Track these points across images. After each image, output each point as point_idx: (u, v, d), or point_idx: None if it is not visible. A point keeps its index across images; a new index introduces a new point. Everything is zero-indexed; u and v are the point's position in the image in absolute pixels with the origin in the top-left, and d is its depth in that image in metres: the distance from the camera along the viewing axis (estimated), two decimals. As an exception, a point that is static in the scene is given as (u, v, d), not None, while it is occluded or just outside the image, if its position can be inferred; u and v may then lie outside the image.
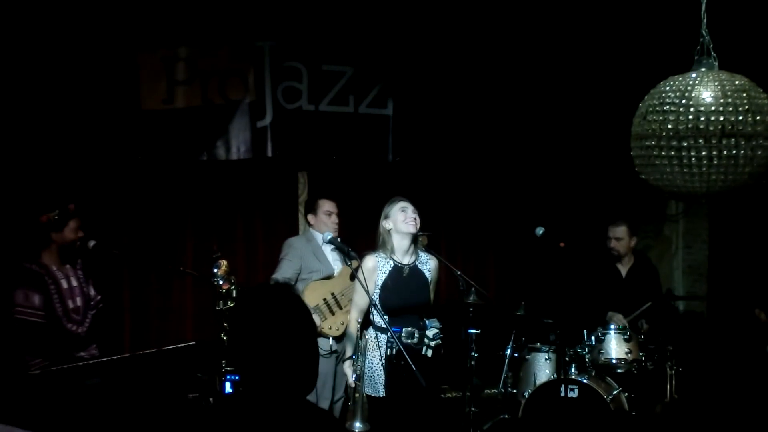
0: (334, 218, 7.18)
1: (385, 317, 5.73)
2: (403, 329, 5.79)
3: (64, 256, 5.90)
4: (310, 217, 7.25)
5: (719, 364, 8.18)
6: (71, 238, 5.86)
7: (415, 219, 5.93)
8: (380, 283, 5.89)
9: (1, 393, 2.95)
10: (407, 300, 5.88)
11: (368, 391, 5.83)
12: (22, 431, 2.78)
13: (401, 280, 5.91)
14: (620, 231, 7.72)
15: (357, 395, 5.80)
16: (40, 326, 5.64)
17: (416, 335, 5.82)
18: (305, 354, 2.72)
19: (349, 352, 5.96)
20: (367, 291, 5.74)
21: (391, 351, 5.74)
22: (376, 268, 5.91)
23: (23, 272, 5.69)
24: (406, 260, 5.99)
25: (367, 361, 5.83)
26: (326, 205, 7.20)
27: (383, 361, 5.78)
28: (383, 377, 5.80)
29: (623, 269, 7.82)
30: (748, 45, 6.78)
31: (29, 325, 5.60)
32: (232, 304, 5.72)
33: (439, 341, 5.91)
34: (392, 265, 5.94)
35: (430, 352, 5.84)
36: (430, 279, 6.04)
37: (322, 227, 6.94)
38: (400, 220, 5.91)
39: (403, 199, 6.01)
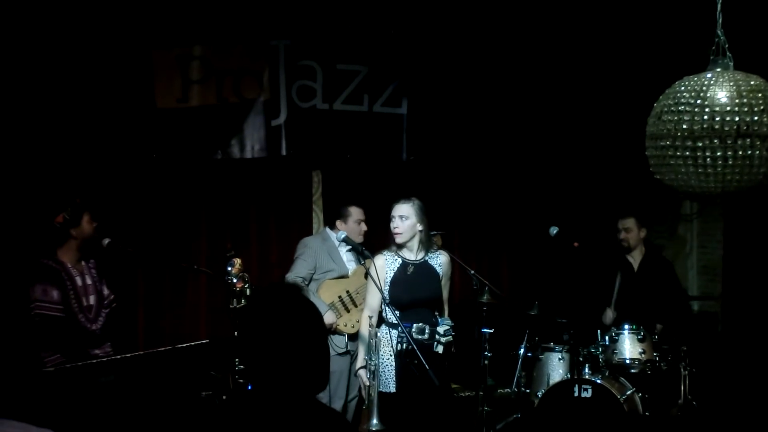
0: (363, 225, 7.22)
1: (396, 312, 5.74)
2: (414, 324, 5.80)
3: (83, 252, 5.94)
4: (338, 223, 7.25)
5: (733, 365, 8.15)
6: (90, 230, 5.91)
7: (396, 230, 5.98)
8: (389, 279, 5.92)
9: (15, 390, 2.96)
10: (416, 294, 5.91)
11: (379, 387, 5.84)
12: (37, 429, 2.78)
13: (410, 275, 5.95)
14: (629, 222, 7.76)
15: (372, 394, 5.81)
16: (59, 321, 5.68)
17: (427, 331, 5.84)
18: (315, 354, 2.72)
19: (361, 353, 5.97)
20: (380, 290, 5.76)
21: (401, 346, 5.76)
22: (384, 265, 5.97)
23: (40, 268, 5.73)
24: (414, 257, 6.01)
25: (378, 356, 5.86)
26: (358, 213, 7.23)
27: (394, 357, 5.80)
28: (394, 373, 5.81)
29: (635, 263, 7.83)
30: (764, 45, 6.75)
31: (49, 320, 5.63)
32: (245, 303, 5.75)
33: (450, 338, 5.91)
34: (400, 261, 5.99)
35: (440, 348, 5.85)
36: (441, 274, 6.05)
37: (352, 234, 6.93)
38: (392, 228, 6.02)
39: (398, 201, 6.04)
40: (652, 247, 7.96)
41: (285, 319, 2.70)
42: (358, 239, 7.03)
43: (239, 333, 2.75)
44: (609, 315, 7.64)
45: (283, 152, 7.91)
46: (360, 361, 5.98)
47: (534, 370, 7.28)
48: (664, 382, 7.18)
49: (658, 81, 4.52)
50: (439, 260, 6.09)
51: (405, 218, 5.95)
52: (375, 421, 5.72)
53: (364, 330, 5.98)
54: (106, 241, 6.06)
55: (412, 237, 6.00)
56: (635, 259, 7.83)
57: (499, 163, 8.84)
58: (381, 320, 5.99)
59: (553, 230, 7.22)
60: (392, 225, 5.99)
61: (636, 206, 8.04)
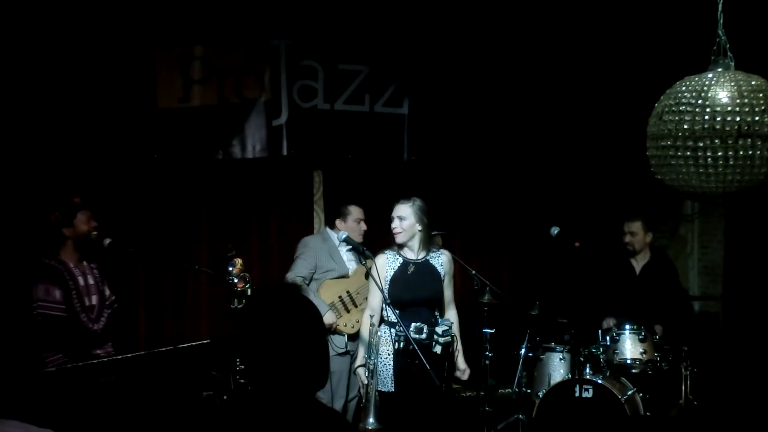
0: (363, 225, 7.22)
1: (396, 311, 5.75)
2: (413, 324, 5.81)
3: (82, 252, 5.93)
4: (338, 221, 7.25)
5: (734, 365, 8.15)
6: (84, 230, 5.88)
7: (396, 230, 6.01)
8: (389, 278, 5.93)
9: (16, 390, 2.96)
10: (416, 294, 5.92)
11: (378, 386, 5.87)
12: (38, 429, 2.79)
13: (410, 275, 5.96)
14: (635, 226, 7.71)
15: (369, 393, 5.81)
16: (62, 320, 5.67)
17: (425, 330, 5.83)
18: (314, 352, 2.72)
19: (361, 351, 5.98)
20: (382, 290, 5.77)
21: (399, 344, 5.76)
22: (385, 264, 5.99)
23: (42, 268, 5.72)
24: (415, 256, 6.02)
25: (378, 355, 5.88)
26: (357, 213, 7.23)
27: (392, 355, 5.81)
28: (392, 372, 5.82)
29: (637, 266, 7.78)
30: (765, 45, 6.75)
31: (52, 320, 5.62)
32: (245, 303, 5.75)
33: (449, 339, 5.91)
34: (401, 261, 6.00)
35: (439, 348, 5.85)
36: (442, 273, 6.06)
37: (351, 233, 6.91)
38: (391, 227, 6.04)
39: (398, 202, 6.04)
40: (656, 251, 7.93)
41: (284, 318, 2.70)
42: (358, 239, 7.03)
43: (238, 332, 2.75)
44: (609, 323, 7.63)
45: (285, 152, 7.92)
46: (359, 359, 5.99)
47: (535, 370, 7.28)
48: (665, 383, 7.18)
49: (659, 81, 4.52)
50: (441, 260, 6.09)
51: (403, 219, 5.96)
52: (371, 420, 5.74)
53: (365, 329, 5.99)
54: (108, 241, 6.05)
55: (412, 237, 6.00)
56: (638, 262, 7.79)
57: (501, 163, 8.84)
58: (381, 319, 6.00)
59: (554, 230, 7.21)
60: (392, 225, 6.00)
61: (643, 209, 8.01)
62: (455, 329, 6.10)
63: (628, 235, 7.72)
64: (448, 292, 6.15)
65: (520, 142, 8.84)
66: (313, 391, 2.73)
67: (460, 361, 6.17)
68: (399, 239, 6.00)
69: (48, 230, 5.86)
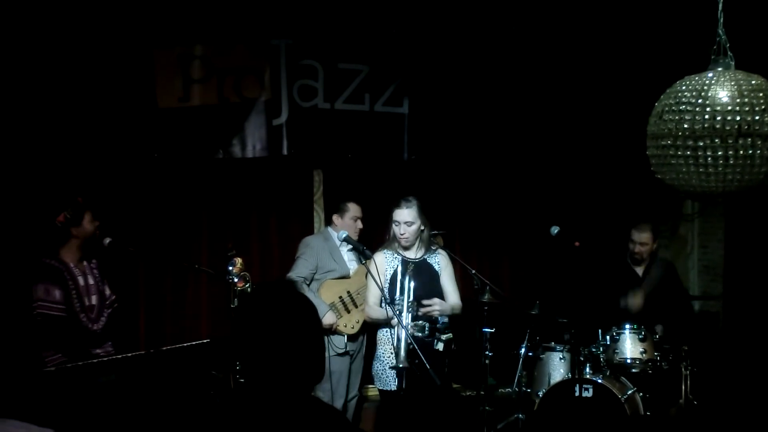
0: (359, 223, 7.22)
1: (396, 311, 5.75)
2: (414, 322, 5.80)
3: (85, 252, 5.94)
4: (335, 217, 7.25)
5: (734, 365, 8.15)
6: (91, 230, 5.92)
7: (404, 236, 5.99)
8: (389, 277, 5.93)
9: (16, 389, 2.96)
10: (415, 293, 5.90)
11: (379, 385, 5.89)
12: (38, 428, 2.79)
13: (410, 274, 5.94)
14: (645, 236, 7.59)
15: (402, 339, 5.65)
16: (61, 320, 5.68)
17: (427, 328, 5.84)
18: (310, 349, 2.72)
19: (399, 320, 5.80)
20: (381, 288, 5.77)
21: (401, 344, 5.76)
22: (384, 262, 6.01)
23: (43, 267, 5.73)
24: (414, 255, 6.03)
25: (379, 356, 5.89)
26: (355, 210, 7.23)
27: (394, 355, 5.80)
28: (394, 372, 5.81)
29: (640, 269, 7.76)
30: (765, 44, 6.75)
31: (51, 320, 5.64)
32: (240, 301, 5.76)
33: (450, 335, 5.92)
34: (400, 260, 6.00)
35: (441, 346, 5.86)
36: (439, 272, 6.06)
37: (347, 230, 6.87)
38: (398, 233, 6.01)
39: (399, 205, 6.03)
40: (654, 252, 7.92)
41: (279, 314, 2.70)
42: (353, 237, 7.01)
43: (235, 329, 2.74)
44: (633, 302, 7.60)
45: (285, 152, 7.91)
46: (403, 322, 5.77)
47: (535, 370, 7.28)
48: (665, 382, 7.17)
49: (659, 80, 4.51)
50: (437, 258, 6.12)
51: (411, 224, 5.97)
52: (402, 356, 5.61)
53: (378, 314, 5.96)
54: (108, 240, 6.06)
55: (417, 238, 6.02)
56: (641, 265, 7.77)
57: (500, 162, 8.83)
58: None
59: (554, 230, 7.20)
60: (399, 231, 5.98)
61: (648, 215, 7.97)
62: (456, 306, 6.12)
63: (638, 245, 7.60)
64: (450, 286, 6.15)
65: (520, 141, 8.83)
66: (310, 387, 2.73)
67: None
68: (406, 243, 6.01)
69: (53, 230, 5.87)
